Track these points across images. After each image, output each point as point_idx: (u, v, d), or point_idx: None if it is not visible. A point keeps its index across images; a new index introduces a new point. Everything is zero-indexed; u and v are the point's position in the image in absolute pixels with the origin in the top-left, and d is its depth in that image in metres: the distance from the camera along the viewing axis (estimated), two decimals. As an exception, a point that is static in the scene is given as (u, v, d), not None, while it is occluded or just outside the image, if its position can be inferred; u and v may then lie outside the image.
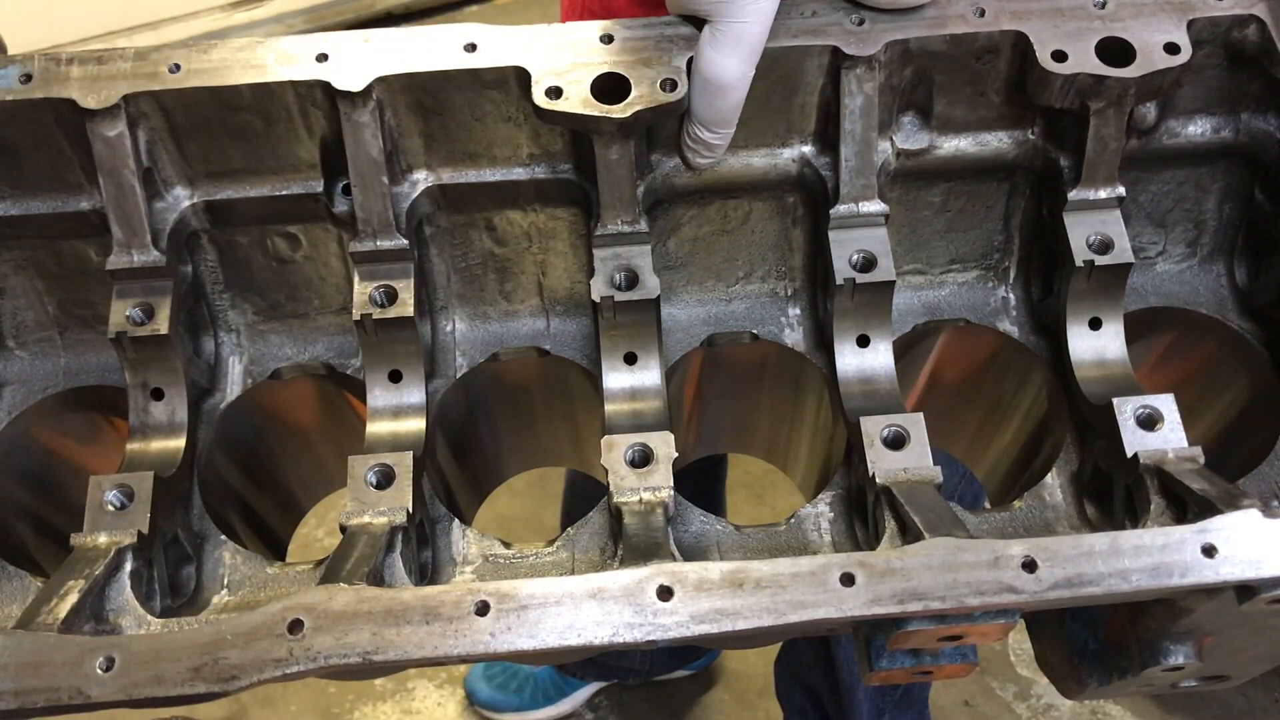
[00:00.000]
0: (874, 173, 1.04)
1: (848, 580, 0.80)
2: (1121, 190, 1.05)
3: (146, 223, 1.01)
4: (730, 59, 0.94)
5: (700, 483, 2.30)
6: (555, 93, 0.97)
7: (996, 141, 1.09)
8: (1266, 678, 2.71)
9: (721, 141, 1.01)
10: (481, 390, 1.21)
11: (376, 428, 1.05)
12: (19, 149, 1.01)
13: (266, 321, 1.16)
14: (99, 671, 0.78)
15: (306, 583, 1.03)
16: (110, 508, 0.95)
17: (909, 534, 0.90)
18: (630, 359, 1.07)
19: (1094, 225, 1.05)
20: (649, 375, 1.06)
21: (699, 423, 1.37)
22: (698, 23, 0.97)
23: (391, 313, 1.03)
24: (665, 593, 0.80)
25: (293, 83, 0.98)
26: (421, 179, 1.07)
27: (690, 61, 0.97)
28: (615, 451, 0.98)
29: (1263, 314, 1.13)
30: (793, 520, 1.08)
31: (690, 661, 2.80)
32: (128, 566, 0.93)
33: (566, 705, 2.81)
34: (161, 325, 1.01)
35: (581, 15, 1.55)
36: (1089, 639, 1.02)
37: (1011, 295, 1.18)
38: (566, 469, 2.26)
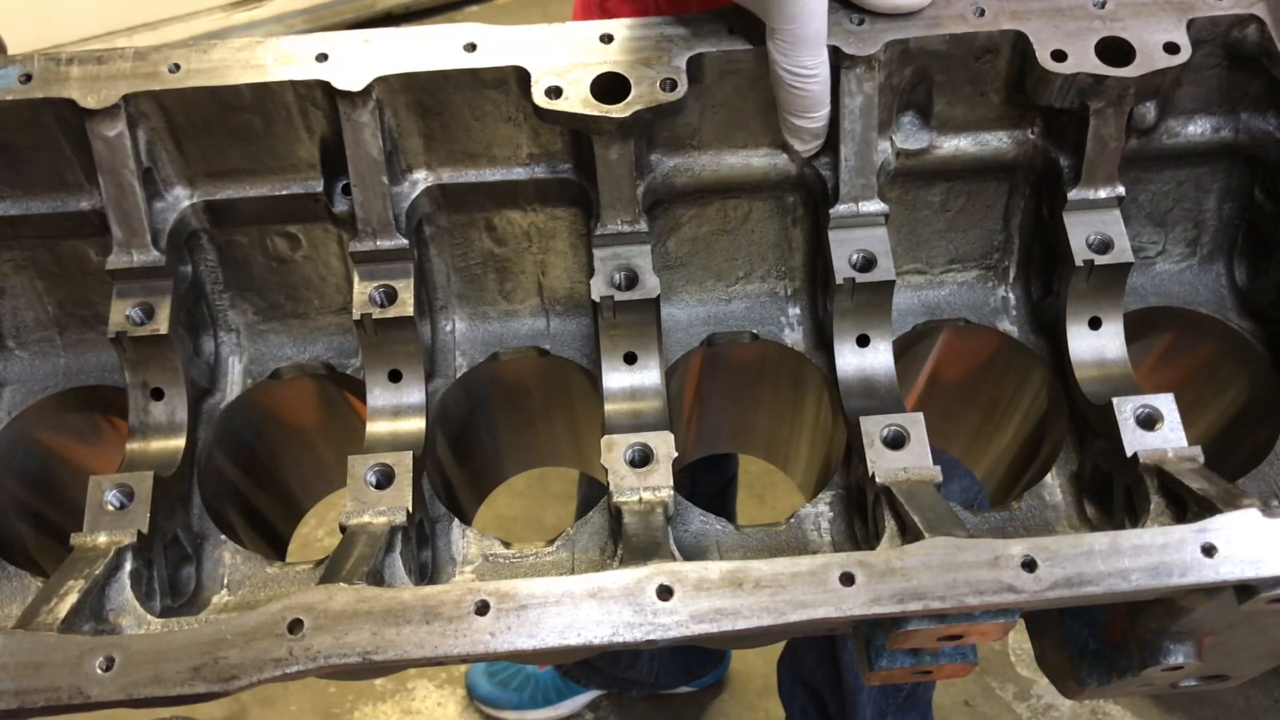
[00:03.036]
0: (874, 172, 1.04)
1: (847, 580, 0.80)
2: (1121, 190, 1.05)
3: (146, 223, 1.01)
4: (796, 57, 0.96)
5: (714, 500, 2.31)
6: (555, 92, 0.97)
7: (996, 141, 1.09)
8: (1266, 678, 2.71)
9: (821, 123, 1.02)
10: (481, 390, 1.21)
11: (376, 427, 1.05)
12: (19, 149, 1.01)
13: (266, 321, 1.16)
14: (99, 671, 0.78)
15: (306, 583, 1.03)
16: (110, 507, 0.95)
17: (909, 534, 0.89)
18: (630, 359, 1.07)
19: (1094, 225, 1.05)
20: (649, 375, 1.06)
21: (699, 422, 1.37)
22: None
23: (391, 312, 1.03)
24: (665, 592, 0.80)
25: (293, 83, 0.98)
26: (421, 179, 1.07)
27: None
28: (615, 451, 0.98)
29: (1263, 314, 1.13)
30: (793, 520, 1.08)
31: (696, 679, 2.79)
32: (128, 566, 0.93)
33: (566, 708, 2.81)
34: (161, 325, 1.01)
35: (586, 18, 1.55)
36: (1089, 639, 1.02)
37: (1011, 295, 1.18)
38: (579, 482, 2.26)
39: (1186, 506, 0.90)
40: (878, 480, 0.96)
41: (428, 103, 1.02)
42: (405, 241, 1.03)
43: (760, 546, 1.06)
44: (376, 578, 0.88)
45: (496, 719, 2.81)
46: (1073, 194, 1.04)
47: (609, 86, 0.97)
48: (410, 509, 0.96)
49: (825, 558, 0.81)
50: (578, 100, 0.97)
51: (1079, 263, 1.03)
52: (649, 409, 1.05)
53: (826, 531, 1.07)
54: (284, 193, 1.06)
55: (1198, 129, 1.09)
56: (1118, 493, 1.01)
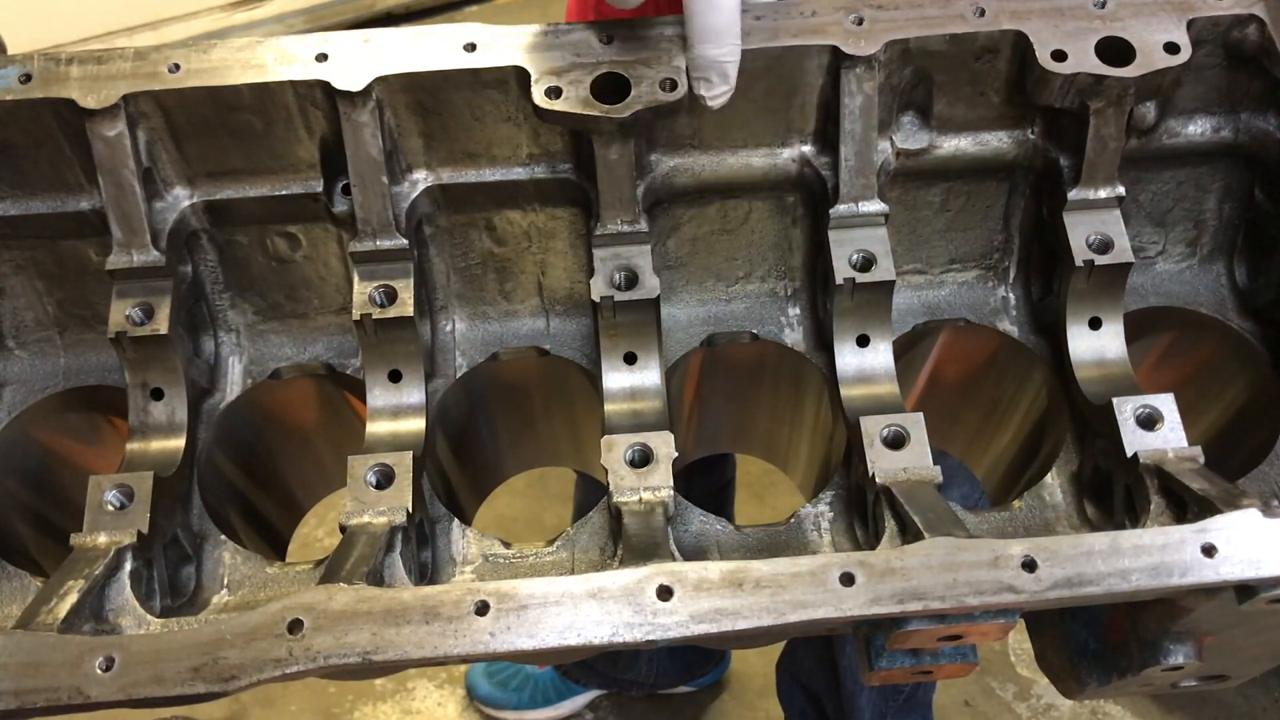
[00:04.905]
0: (874, 172, 1.04)
1: (848, 580, 0.80)
2: (1121, 190, 1.05)
3: (146, 223, 1.01)
4: None
5: (711, 503, 2.31)
6: (555, 92, 0.97)
7: (996, 141, 1.09)
8: (1266, 678, 2.71)
9: (732, 58, 0.95)
10: (481, 390, 1.21)
11: (376, 428, 1.05)
12: (19, 149, 1.01)
13: (266, 321, 1.16)
14: (99, 671, 0.78)
15: (306, 583, 1.03)
16: (110, 508, 0.95)
17: (909, 534, 0.89)
18: (630, 359, 1.07)
19: (1094, 225, 1.05)
20: (649, 375, 1.06)
21: (699, 422, 1.37)
22: None
23: (391, 312, 1.03)
24: (665, 592, 0.80)
25: (292, 83, 0.98)
26: (421, 179, 1.07)
27: None
28: (615, 451, 0.98)
29: (1263, 314, 1.13)
30: (793, 520, 1.08)
31: (695, 679, 2.79)
32: (127, 566, 0.93)
33: (565, 708, 2.81)
34: (161, 325, 1.01)
35: (582, 18, 1.55)
36: (1089, 639, 1.02)
37: (1011, 295, 1.18)
38: (576, 482, 2.26)
39: (1187, 507, 0.90)
40: (878, 480, 0.96)
41: (428, 103, 1.02)
42: (405, 241, 1.03)
43: (760, 546, 1.06)
44: (376, 578, 0.88)
45: (496, 719, 2.81)
46: (1073, 194, 1.04)
47: (609, 86, 0.97)
48: (410, 509, 0.96)
49: (825, 558, 0.81)
50: (578, 100, 0.97)
51: (1079, 263, 1.03)
52: (649, 409, 1.05)
53: (826, 531, 1.07)
54: (284, 193, 1.06)
55: (1198, 129, 1.09)
56: (1118, 493, 1.01)
